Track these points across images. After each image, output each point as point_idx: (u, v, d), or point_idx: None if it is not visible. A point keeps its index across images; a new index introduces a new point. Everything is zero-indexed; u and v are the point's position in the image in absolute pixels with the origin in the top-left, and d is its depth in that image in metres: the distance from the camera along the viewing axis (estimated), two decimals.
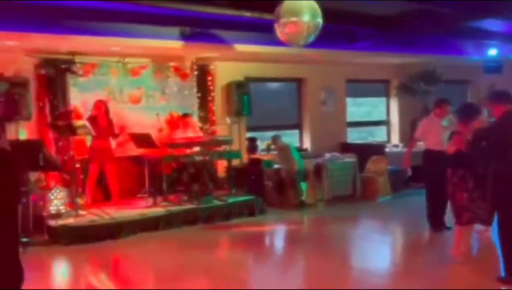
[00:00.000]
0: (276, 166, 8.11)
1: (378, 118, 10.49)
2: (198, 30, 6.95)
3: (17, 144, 5.94)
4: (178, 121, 7.86)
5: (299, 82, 9.41)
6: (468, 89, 11.39)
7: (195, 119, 7.99)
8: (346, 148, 9.08)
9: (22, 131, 6.69)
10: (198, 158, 7.12)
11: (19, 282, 2.16)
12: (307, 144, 9.27)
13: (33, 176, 6.36)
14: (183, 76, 8.05)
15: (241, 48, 7.40)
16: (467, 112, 4.72)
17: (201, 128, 8.06)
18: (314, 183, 7.85)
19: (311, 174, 7.83)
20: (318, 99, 9.35)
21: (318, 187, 7.86)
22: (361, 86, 10.17)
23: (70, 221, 6.10)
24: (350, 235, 6.21)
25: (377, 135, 10.52)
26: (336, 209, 7.57)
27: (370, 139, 10.33)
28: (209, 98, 8.24)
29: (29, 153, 5.61)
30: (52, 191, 6.40)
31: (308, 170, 7.82)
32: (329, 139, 9.15)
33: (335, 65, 9.22)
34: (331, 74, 9.34)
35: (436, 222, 5.85)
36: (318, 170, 7.89)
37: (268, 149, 8.84)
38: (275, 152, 8.11)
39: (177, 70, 8.01)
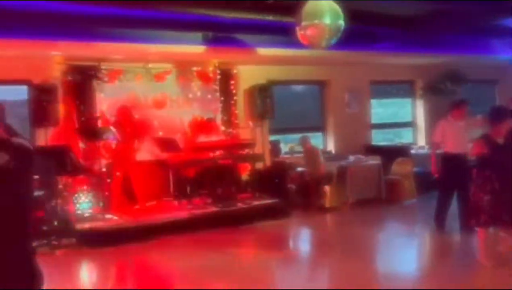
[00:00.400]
0: (299, 169, 8.06)
1: (404, 120, 10.32)
2: (221, 34, 6.99)
3: (45, 150, 6.09)
4: (201, 125, 7.91)
5: (322, 84, 9.35)
6: (496, 89, 11.07)
7: (218, 123, 8.03)
8: (370, 150, 8.96)
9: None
10: (222, 162, 7.13)
11: (36, 286, 2.14)
12: (331, 146, 9.20)
13: (61, 180, 6.49)
14: (206, 80, 8.10)
15: (264, 51, 7.39)
16: (496, 115, 4.65)
17: (224, 132, 8.09)
18: (338, 186, 7.77)
19: (335, 177, 7.76)
20: (342, 101, 9.28)
21: (342, 190, 7.78)
22: (387, 87, 10.04)
23: (97, 224, 6.19)
24: (375, 239, 6.11)
25: (404, 137, 10.34)
26: (361, 212, 7.47)
27: (396, 141, 10.16)
28: (232, 101, 8.25)
29: (57, 158, 5.74)
30: (79, 195, 6.52)
31: (332, 173, 7.75)
32: (353, 141, 9.04)
33: (359, 67, 9.13)
34: (354, 75, 9.25)
35: (441, 224, 5.82)
36: (342, 173, 7.82)
37: (291, 151, 8.79)
38: (301, 154, 8.06)
39: (200, 74, 8.06)
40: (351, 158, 8.28)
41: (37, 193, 6.22)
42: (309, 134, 8.77)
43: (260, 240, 6.16)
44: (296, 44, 5.15)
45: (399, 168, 8.25)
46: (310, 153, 7.82)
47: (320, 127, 9.36)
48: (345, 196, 7.78)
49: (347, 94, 9.31)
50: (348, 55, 7.98)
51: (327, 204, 7.62)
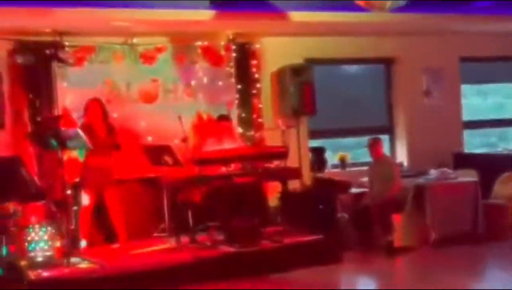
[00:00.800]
0: (355, 190, 7.97)
1: None
2: None
3: None
4: (209, 126, 7.92)
5: (388, 63, 9.34)
6: None
7: (234, 123, 8.04)
8: (462, 161, 8.97)
9: None
10: (239, 180, 7.12)
11: None
12: (402, 156, 9.11)
13: (7, 208, 6.57)
14: (216, 60, 8.16)
15: (300, 16, 7.38)
16: None
17: (243, 135, 8.08)
18: (414, 215, 7.71)
19: (409, 201, 7.67)
20: (417, 87, 9.27)
21: (420, 221, 7.71)
22: (486, 67, 9.97)
23: (57, 272, 6.20)
24: None
25: None
26: (448, 254, 7.36)
27: (502, 147, 10.00)
28: (254, 91, 8.31)
29: (1, 176, 5.82)
30: (33, 230, 6.59)
31: (405, 196, 7.68)
32: (436, 148, 8.98)
33: (443, 37, 9.08)
34: (436, 50, 9.22)
35: None
36: (420, 195, 7.74)
37: (342, 164, 8.74)
38: (365, 167, 8.10)
39: (207, 52, 8.12)
40: (433, 173, 8.20)
41: None
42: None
43: None
44: (348, 6, 5.14)
45: (505, 188, 8.16)
46: (380, 166, 7.77)
47: (385, 128, 9.36)
48: (424, 230, 7.70)
49: (425, 78, 9.29)
50: (427, 21, 7.90)
51: (398, 242, 7.55)
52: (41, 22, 6.80)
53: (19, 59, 7.11)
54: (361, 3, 4.86)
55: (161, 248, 6.96)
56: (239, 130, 8.12)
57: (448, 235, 7.68)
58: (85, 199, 7.01)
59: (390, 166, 7.73)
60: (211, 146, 7.52)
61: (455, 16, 8.07)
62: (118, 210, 7.12)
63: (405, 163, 9.09)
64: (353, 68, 9.56)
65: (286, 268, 6.77)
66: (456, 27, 8.68)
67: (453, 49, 9.37)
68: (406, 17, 7.49)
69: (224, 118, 7.83)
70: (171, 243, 7.02)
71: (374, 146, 7.93)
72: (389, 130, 9.34)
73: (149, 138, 7.59)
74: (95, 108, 7.04)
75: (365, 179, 8.38)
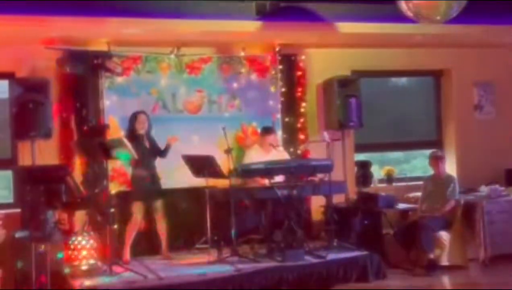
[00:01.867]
0: (402, 205, 7.87)
1: None
2: (283, 3, 7.02)
3: (32, 171, 6.31)
4: (254, 138, 7.95)
5: (438, 76, 9.29)
6: None
7: (278, 134, 8.03)
8: None
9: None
10: (283, 193, 7.09)
11: None
12: (451, 171, 8.94)
13: (53, 216, 6.68)
14: (262, 71, 8.19)
15: (347, 28, 7.34)
16: None
17: (287, 148, 8.07)
18: (464, 233, 7.58)
19: (458, 218, 7.54)
20: (468, 101, 9.20)
21: (470, 240, 7.58)
22: None
23: (102, 281, 6.28)
24: None
25: None
26: (501, 274, 7.23)
27: None
28: (299, 103, 8.28)
29: (48, 184, 5.92)
30: (78, 238, 6.68)
31: (454, 213, 7.56)
32: (487, 164, 8.86)
33: (495, 49, 8.97)
34: (488, 62, 9.12)
35: None
36: (470, 213, 7.61)
37: (389, 179, 8.63)
38: (419, 182, 8.02)
39: (252, 63, 8.15)
40: (484, 189, 8.07)
41: (19, 233, 6.49)
42: (418, 153, 8.61)
43: None
44: (397, 17, 5.09)
45: None
46: (439, 182, 7.66)
47: (434, 142, 9.28)
48: (474, 249, 7.56)
49: (476, 91, 9.18)
50: (478, 32, 7.79)
51: (446, 260, 7.44)
52: (90, 32, 6.92)
53: (68, 68, 7.22)
54: (411, 14, 4.80)
55: (203, 260, 6.96)
56: (284, 142, 8.07)
57: (500, 255, 7.54)
58: (133, 211, 7.07)
59: (449, 184, 7.55)
60: (255, 158, 7.51)
61: (508, 27, 7.92)
62: (165, 220, 7.17)
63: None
64: (401, 81, 9.50)
65: (329, 284, 6.73)
66: (509, 39, 8.51)
67: (505, 61, 9.24)
68: (457, 28, 7.39)
69: (268, 130, 7.81)
70: (212, 255, 7.02)
71: (436, 160, 7.78)
72: (439, 144, 9.22)
73: (193, 149, 7.58)
74: (143, 121, 7.12)
75: (412, 194, 8.26)
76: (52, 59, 7.25)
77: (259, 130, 7.99)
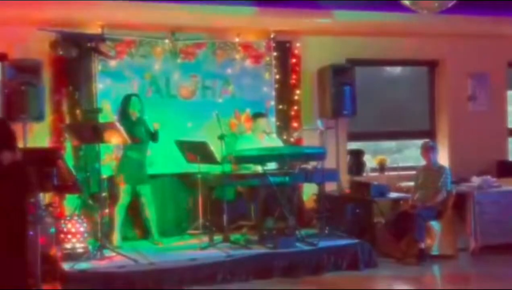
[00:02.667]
0: (393, 195, 7.90)
1: None
2: None
3: (23, 154, 6.27)
4: (247, 124, 7.95)
5: (432, 66, 9.29)
6: None
7: (271, 121, 8.03)
8: (506, 169, 8.83)
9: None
10: (275, 180, 7.10)
11: None
12: (443, 162, 8.96)
13: (44, 199, 6.67)
14: (256, 58, 8.16)
15: (343, 15, 7.32)
16: None
17: (280, 135, 8.06)
18: (455, 223, 7.59)
19: (449, 208, 7.56)
20: (462, 92, 9.20)
21: (461, 230, 7.60)
22: None
23: (92, 265, 6.28)
24: None
25: None
26: (490, 265, 7.24)
27: None
28: (293, 90, 8.28)
29: (39, 167, 5.89)
30: (69, 221, 6.67)
31: (445, 203, 7.56)
32: (479, 155, 8.90)
33: (491, 41, 8.97)
34: (483, 54, 9.11)
35: None
36: (461, 203, 7.62)
37: (381, 168, 8.64)
38: (407, 171, 8.04)
39: (247, 49, 8.12)
40: (476, 180, 8.05)
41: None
42: (410, 142, 8.61)
43: None
44: (393, 5, 5.08)
45: None
46: (431, 173, 7.67)
47: (426, 132, 9.29)
48: (465, 239, 7.59)
49: (470, 82, 9.19)
50: (474, 23, 7.82)
51: (436, 250, 7.47)
52: (83, 14, 6.87)
53: (60, 51, 7.18)
54: (406, 3, 4.78)
55: (194, 246, 6.97)
56: (277, 129, 8.07)
57: (490, 246, 7.54)
58: (121, 194, 7.06)
59: (441, 175, 7.56)
60: (248, 145, 7.51)
61: (504, 19, 7.91)
62: (152, 205, 7.16)
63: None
64: (395, 71, 9.49)
65: (320, 271, 6.75)
66: (505, 30, 8.52)
67: (501, 53, 9.25)
68: (453, 18, 7.39)
69: (259, 114, 7.80)
70: (204, 241, 7.03)
71: (428, 151, 7.78)
72: (431, 135, 9.23)
73: (186, 135, 7.58)
74: (136, 104, 7.09)
75: (404, 184, 8.28)
76: (45, 41, 7.21)
77: (251, 115, 7.97)
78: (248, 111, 8.04)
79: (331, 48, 8.32)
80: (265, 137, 7.64)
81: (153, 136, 7.16)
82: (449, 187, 7.56)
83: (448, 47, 8.98)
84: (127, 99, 7.12)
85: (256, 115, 7.79)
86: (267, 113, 7.99)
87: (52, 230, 6.54)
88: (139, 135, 7.01)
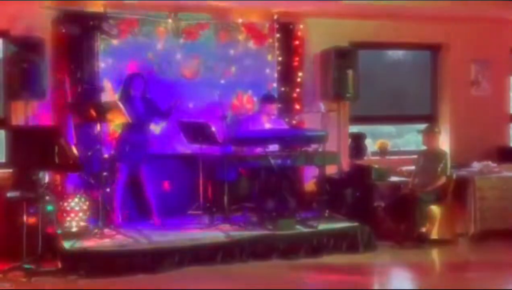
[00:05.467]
0: (394, 178, 7.89)
1: None
2: None
3: (24, 132, 6.26)
4: (249, 106, 7.94)
5: (435, 50, 9.26)
6: None
7: (274, 103, 8.00)
8: (507, 154, 8.82)
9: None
10: (276, 162, 7.08)
11: None
12: (445, 146, 8.95)
13: (44, 177, 6.65)
14: (259, 39, 8.11)
15: None
16: None
17: (282, 117, 8.04)
18: (454, 208, 7.59)
19: (449, 193, 7.55)
20: (465, 77, 9.17)
21: (460, 215, 7.61)
22: None
23: (92, 243, 6.29)
24: None
25: None
26: (489, 250, 7.28)
27: None
28: (296, 72, 8.22)
29: (40, 145, 5.88)
30: (70, 200, 6.66)
31: (446, 188, 7.56)
32: (481, 140, 8.89)
33: (495, 26, 8.94)
34: (487, 39, 9.08)
35: None
36: (462, 188, 7.62)
37: (382, 151, 8.62)
38: (407, 156, 7.98)
39: (250, 30, 8.07)
40: (477, 165, 8.08)
41: (10, 193, 6.46)
42: (412, 127, 8.59)
43: (330, 284, 6.04)
44: None
45: None
46: (431, 157, 7.65)
47: (428, 117, 9.27)
48: (464, 224, 7.59)
49: (473, 67, 9.16)
50: (477, 8, 7.74)
51: (435, 234, 7.47)
52: None
53: (63, 29, 7.13)
54: None
55: (194, 226, 6.97)
56: (279, 111, 8.04)
57: (489, 231, 7.56)
58: (120, 173, 7.04)
59: (441, 160, 7.54)
60: (250, 126, 7.49)
61: (508, 4, 7.85)
62: (149, 186, 7.13)
63: (448, 154, 8.91)
64: (398, 54, 9.43)
65: (319, 252, 6.78)
66: (509, 16, 8.48)
67: (504, 39, 9.21)
68: (457, 3, 7.34)
69: (271, 98, 7.78)
70: (204, 221, 7.04)
71: (429, 135, 7.76)
72: (433, 119, 9.21)
73: (188, 115, 7.55)
74: (136, 82, 7.05)
75: (405, 168, 8.26)
76: (48, 19, 7.15)
77: (255, 99, 7.96)
78: (250, 93, 8.01)
79: (334, 31, 8.25)
80: (270, 119, 7.66)
81: (165, 112, 7.10)
82: (448, 173, 7.55)
83: (451, 32, 8.93)
84: (129, 79, 7.07)
85: (267, 99, 7.73)
86: (275, 97, 7.94)
87: (53, 208, 6.52)
88: (139, 115, 6.96)
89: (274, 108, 7.77)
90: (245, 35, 8.04)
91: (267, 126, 7.51)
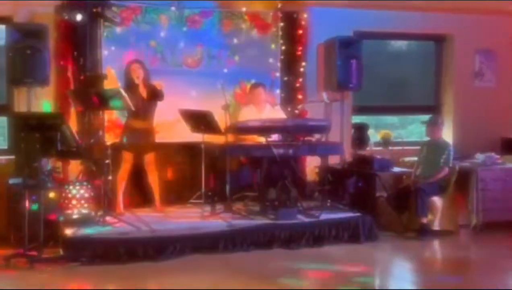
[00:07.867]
0: (397, 169, 7.90)
1: None
2: None
3: (28, 118, 6.26)
4: (250, 95, 7.92)
5: (440, 40, 9.26)
6: None
7: (276, 93, 8.02)
8: (511, 146, 8.84)
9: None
10: (279, 151, 7.08)
11: None
12: (447, 137, 8.94)
13: (47, 164, 6.67)
14: (263, 28, 8.10)
15: None
16: None
17: (285, 106, 8.03)
18: (457, 199, 7.59)
19: (452, 184, 7.55)
20: (469, 67, 9.17)
21: (463, 206, 7.61)
22: None
23: (94, 230, 6.32)
24: None
25: None
26: (491, 241, 7.26)
27: None
28: (299, 61, 8.21)
29: (43, 132, 5.89)
30: (72, 187, 6.68)
31: (448, 179, 7.56)
32: (484, 132, 8.89)
33: (499, 17, 8.92)
34: (491, 30, 9.06)
35: None
36: (465, 179, 7.61)
37: (385, 142, 8.62)
38: (410, 146, 8.00)
39: (253, 19, 8.06)
40: (480, 157, 8.06)
41: (13, 180, 6.48)
42: (415, 118, 8.58)
43: (330, 274, 6.05)
44: None
45: None
46: (434, 148, 7.64)
47: (431, 107, 9.27)
48: (466, 215, 7.59)
49: (478, 58, 9.14)
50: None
51: (437, 225, 7.47)
52: None
53: (66, 16, 7.12)
54: None
55: (196, 215, 6.99)
56: (282, 101, 8.03)
57: (492, 223, 7.56)
58: (123, 161, 7.05)
59: (444, 151, 7.54)
60: (248, 116, 7.47)
61: None
62: (155, 174, 7.16)
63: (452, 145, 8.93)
64: (402, 45, 9.41)
65: (320, 242, 6.80)
66: None
67: (509, 30, 9.19)
68: None
69: (255, 84, 7.74)
70: (206, 210, 7.05)
71: (433, 126, 7.75)
72: (436, 110, 9.22)
73: (190, 104, 7.54)
74: (138, 70, 7.03)
75: (407, 159, 8.27)
76: (51, 5, 7.14)
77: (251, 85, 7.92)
78: (253, 81, 8.00)
79: (338, 20, 8.21)
80: (265, 108, 7.63)
81: (158, 94, 7.05)
82: (451, 164, 7.55)
83: (456, 23, 8.90)
84: (128, 66, 7.06)
85: (252, 85, 7.74)
86: (273, 85, 7.92)
87: (55, 195, 6.55)
88: (143, 102, 6.96)
89: (265, 94, 7.67)
90: (249, 23, 8.04)
91: (265, 115, 7.47)
